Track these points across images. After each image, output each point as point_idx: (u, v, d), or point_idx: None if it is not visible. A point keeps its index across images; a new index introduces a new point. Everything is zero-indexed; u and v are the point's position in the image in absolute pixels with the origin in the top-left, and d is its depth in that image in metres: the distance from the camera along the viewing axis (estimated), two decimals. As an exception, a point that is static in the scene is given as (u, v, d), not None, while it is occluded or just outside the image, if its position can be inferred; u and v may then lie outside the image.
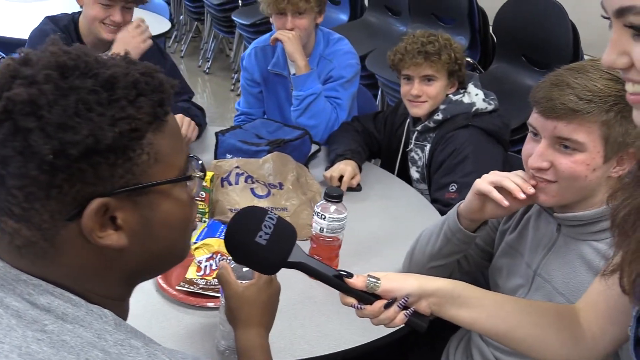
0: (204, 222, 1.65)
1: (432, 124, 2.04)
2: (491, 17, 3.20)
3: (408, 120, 2.16)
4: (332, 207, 1.44)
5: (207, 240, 1.47)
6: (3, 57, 2.27)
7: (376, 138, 2.26)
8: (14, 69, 0.64)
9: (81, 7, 2.03)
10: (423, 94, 2.00)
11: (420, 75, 1.98)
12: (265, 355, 1.06)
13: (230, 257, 1.00)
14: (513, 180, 1.23)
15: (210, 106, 5.30)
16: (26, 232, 0.65)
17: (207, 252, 1.42)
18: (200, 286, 1.35)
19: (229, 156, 1.83)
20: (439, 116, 2.02)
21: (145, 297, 1.35)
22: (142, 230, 0.69)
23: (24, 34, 2.15)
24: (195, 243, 1.47)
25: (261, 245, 0.90)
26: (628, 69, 0.67)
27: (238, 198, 1.64)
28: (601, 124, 1.13)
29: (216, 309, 1.28)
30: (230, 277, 1.10)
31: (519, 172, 1.25)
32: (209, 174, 1.65)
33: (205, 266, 1.40)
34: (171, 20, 6.37)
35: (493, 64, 3.20)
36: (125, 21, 2.00)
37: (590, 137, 1.13)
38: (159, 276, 1.38)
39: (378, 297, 0.98)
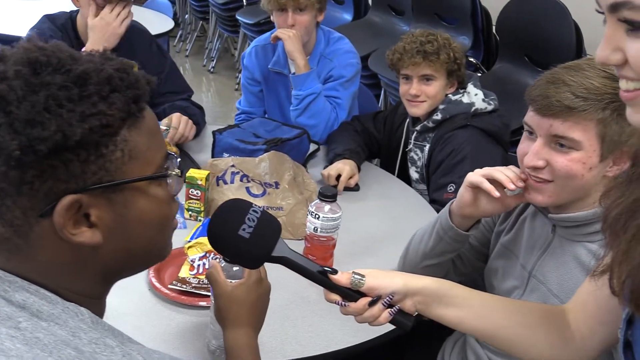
0: (200, 220, 1.64)
1: (431, 124, 2.03)
2: (494, 17, 3.18)
3: (408, 120, 2.15)
4: (327, 207, 1.43)
5: (201, 239, 1.46)
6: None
7: (376, 138, 2.25)
8: None
9: (77, 7, 2.03)
10: (422, 94, 1.98)
11: (418, 74, 1.97)
12: (253, 355, 1.05)
13: (221, 257, 1.00)
14: (504, 172, 1.23)
15: (214, 105, 5.31)
16: (0, 229, 0.64)
17: (200, 250, 1.42)
18: (193, 285, 1.35)
19: (225, 155, 1.82)
20: (438, 116, 2.00)
21: (137, 296, 1.35)
22: (117, 227, 0.68)
23: (25, 32, 2.15)
24: (189, 242, 1.47)
25: (244, 238, 0.89)
26: (622, 65, 0.65)
27: (233, 197, 1.62)
28: (597, 122, 1.11)
29: (208, 308, 1.27)
30: (219, 276, 1.09)
31: (512, 166, 1.24)
32: (205, 173, 1.64)
33: (198, 265, 1.39)
34: (176, 19, 6.41)
35: (496, 64, 3.18)
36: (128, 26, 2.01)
37: (587, 136, 1.12)
38: (152, 275, 1.37)
39: (363, 294, 0.97)
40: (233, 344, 1.05)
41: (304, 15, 2.24)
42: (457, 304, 1.02)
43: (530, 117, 1.17)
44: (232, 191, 1.64)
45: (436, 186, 1.96)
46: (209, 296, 1.31)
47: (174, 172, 0.73)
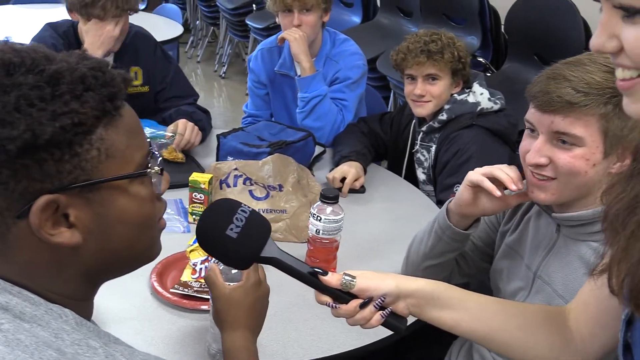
0: (203, 224, 1.64)
1: (436, 125, 2.01)
2: (503, 16, 3.16)
3: (414, 121, 2.13)
4: (329, 209, 1.42)
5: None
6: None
7: (382, 139, 2.24)
8: None
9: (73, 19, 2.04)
10: (427, 94, 1.97)
11: (423, 74, 1.95)
12: (251, 358, 1.04)
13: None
14: (505, 171, 1.21)
15: (226, 110, 5.32)
16: None
17: (202, 254, 1.41)
18: (195, 289, 1.34)
19: (230, 158, 1.82)
20: (443, 116, 1.99)
21: (139, 300, 1.35)
22: (96, 227, 0.68)
23: (28, 39, 2.17)
24: (191, 245, 1.46)
25: (232, 238, 0.88)
26: (618, 53, 0.63)
27: (236, 200, 1.63)
28: (599, 117, 1.09)
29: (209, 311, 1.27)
30: (217, 279, 1.09)
31: (513, 166, 1.22)
32: (208, 176, 1.64)
33: (200, 269, 1.39)
34: (187, 25, 6.44)
35: (505, 63, 3.15)
36: (124, 27, 2.01)
37: (589, 131, 1.10)
38: (154, 279, 1.37)
39: (354, 296, 0.95)
40: (230, 347, 1.05)
41: (310, 15, 2.24)
42: (452, 306, 1.00)
43: (532, 114, 1.16)
44: (235, 194, 1.64)
45: (442, 187, 1.94)
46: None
47: (153, 170, 0.72)
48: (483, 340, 1.03)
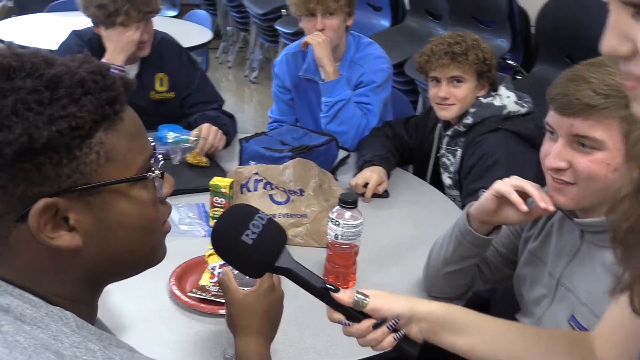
0: (224, 229, 1.64)
1: (462, 128, 1.98)
2: (533, 17, 3.10)
3: (439, 124, 2.11)
4: (347, 214, 1.41)
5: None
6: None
7: (407, 143, 2.22)
8: None
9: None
10: (451, 96, 1.94)
11: (447, 76, 1.93)
12: (263, 364, 1.03)
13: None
14: (536, 188, 1.18)
15: (256, 115, 5.35)
16: None
17: (221, 258, 1.41)
18: (212, 293, 1.34)
19: (252, 163, 1.82)
20: (468, 120, 1.96)
21: (157, 303, 1.35)
22: (97, 231, 0.68)
23: (56, 46, 2.21)
24: (210, 249, 1.46)
25: (246, 244, 0.87)
26: (631, 57, 0.58)
27: (256, 204, 1.60)
28: (621, 119, 1.05)
29: (226, 316, 1.27)
30: (231, 283, 1.09)
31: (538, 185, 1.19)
32: (229, 181, 1.64)
33: (219, 273, 1.38)
34: (218, 31, 6.50)
35: (536, 65, 3.09)
36: (149, 32, 2.04)
37: (610, 134, 1.07)
38: (172, 283, 1.38)
39: (367, 315, 0.93)
40: (243, 352, 1.04)
41: (333, 19, 2.23)
42: (467, 331, 0.96)
43: (551, 117, 1.13)
44: (255, 199, 1.64)
45: (467, 191, 1.91)
46: (227, 304, 1.30)
47: (153, 174, 0.72)
48: None
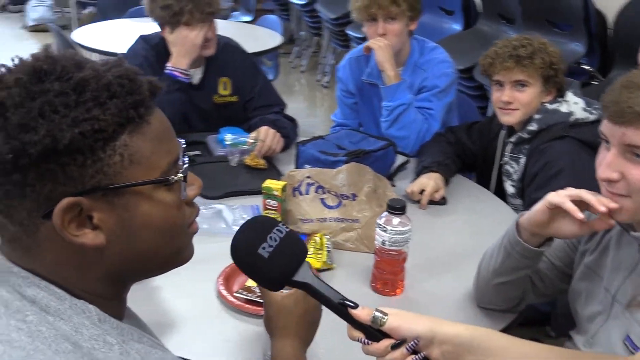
0: (276, 231, 1.65)
1: (526, 135, 1.91)
2: (610, 20, 2.95)
3: (503, 131, 2.04)
4: (396, 220, 1.38)
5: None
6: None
7: (470, 150, 2.16)
8: (0, 75, 0.67)
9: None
10: (514, 101, 1.88)
11: (511, 80, 1.87)
12: (298, 368, 1.03)
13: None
14: (594, 194, 1.11)
15: (327, 119, 5.36)
16: (11, 228, 0.68)
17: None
18: (257, 294, 1.35)
19: (307, 166, 1.82)
20: (533, 126, 1.89)
21: (204, 301, 1.38)
22: (120, 230, 0.70)
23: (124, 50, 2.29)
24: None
25: (263, 257, 0.86)
26: None
27: (308, 208, 1.63)
28: None
29: (270, 318, 1.27)
30: None
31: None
32: (281, 184, 1.65)
33: (265, 275, 1.39)
34: (290, 36, 6.58)
35: (612, 70, 2.95)
36: (212, 34, 2.09)
37: None
38: (220, 282, 1.40)
39: (386, 335, 0.89)
40: (279, 354, 1.04)
41: (395, 24, 2.22)
42: (494, 356, 0.89)
43: (604, 125, 1.07)
44: (307, 202, 1.64)
45: (530, 201, 1.83)
46: (272, 306, 1.31)
47: (175, 178, 0.73)
48: None
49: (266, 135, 2.02)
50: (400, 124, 2.20)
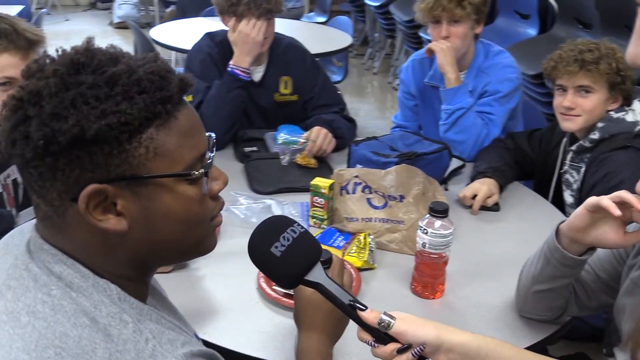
0: (322, 228, 1.68)
1: (588, 144, 1.85)
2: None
3: (565, 139, 1.98)
4: (437, 223, 1.37)
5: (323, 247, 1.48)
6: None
7: (530, 157, 2.11)
8: (42, 64, 0.72)
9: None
10: (577, 107, 1.82)
11: (574, 85, 1.81)
12: (322, 363, 1.04)
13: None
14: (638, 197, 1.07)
15: (397, 121, 5.35)
16: (44, 207, 0.73)
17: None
18: (295, 289, 1.38)
19: (358, 166, 1.83)
20: (595, 135, 1.82)
21: (244, 292, 1.41)
22: (142, 219, 0.73)
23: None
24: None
25: (275, 256, 0.88)
26: None
27: (354, 207, 1.64)
28: None
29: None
30: None
31: None
32: (329, 182, 1.67)
33: (305, 270, 1.41)
34: (365, 37, 6.58)
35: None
36: (269, 32, 2.13)
37: None
38: (261, 275, 1.43)
39: (394, 339, 0.89)
40: (304, 348, 1.06)
41: (459, 26, 2.19)
42: None
43: None
44: (353, 201, 1.65)
45: (587, 212, 1.77)
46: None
47: (197, 173, 0.75)
48: None
49: (317, 136, 2.04)
50: (458, 128, 2.17)
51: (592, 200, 1.11)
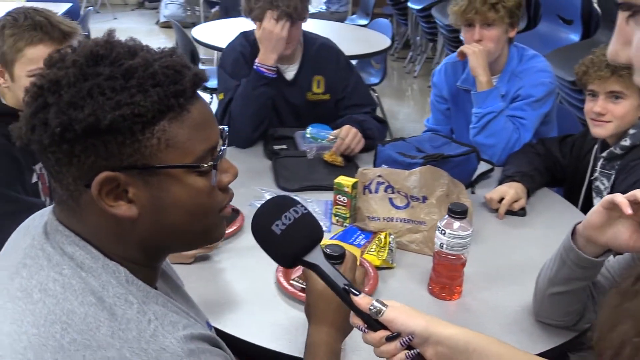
0: (344, 226, 1.69)
1: (618, 151, 1.81)
2: None
3: (596, 146, 1.95)
4: (456, 224, 1.37)
5: (336, 242, 1.50)
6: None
7: (560, 163, 2.08)
8: (64, 55, 0.76)
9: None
10: (608, 113, 1.79)
11: (605, 91, 1.78)
12: (330, 355, 1.05)
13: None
14: None
15: (434, 126, 5.32)
16: (60, 191, 0.77)
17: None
18: (312, 284, 1.39)
19: (384, 166, 1.84)
20: (626, 142, 1.79)
21: (262, 285, 1.44)
22: (152, 206, 0.77)
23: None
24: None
25: (275, 234, 0.90)
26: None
27: (376, 206, 1.65)
28: None
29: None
30: (313, 273, 1.13)
31: None
32: (352, 180, 1.69)
33: (323, 266, 1.43)
34: (407, 40, 6.55)
35: None
36: (292, 36, 2.15)
37: None
38: (279, 269, 1.45)
39: (385, 327, 0.90)
40: (313, 340, 1.08)
41: (492, 30, 2.18)
42: None
43: None
44: (375, 200, 1.66)
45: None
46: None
47: (206, 165, 0.78)
48: None
49: (347, 134, 2.06)
50: (488, 132, 2.16)
51: (608, 197, 1.10)
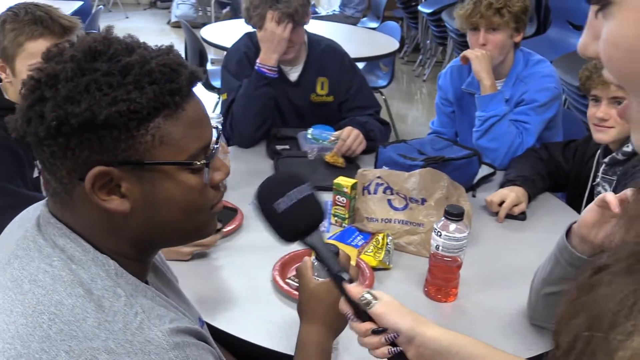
0: (343, 227, 1.70)
1: (620, 157, 1.81)
2: None
3: (599, 151, 1.94)
4: (452, 226, 1.38)
5: (334, 242, 1.51)
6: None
7: (563, 169, 2.07)
8: (62, 49, 0.77)
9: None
10: (610, 118, 1.78)
11: (608, 96, 1.78)
12: (320, 354, 1.06)
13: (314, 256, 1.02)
14: None
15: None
16: (53, 184, 0.79)
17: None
18: (308, 283, 1.40)
19: (385, 168, 1.84)
20: (628, 147, 1.78)
21: (258, 283, 1.45)
22: (144, 202, 0.78)
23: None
24: (319, 243, 1.52)
25: (276, 211, 0.90)
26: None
27: (375, 207, 1.66)
28: None
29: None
30: (306, 272, 1.13)
31: None
32: (352, 181, 1.69)
33: (318, 265, 1.44)
34: (417, 44, 6.55)
35: None
36: (295, 39, 2.16)
37: None
38: (276, 268, 1.46)
39: (372, 318, 0.91)
40: (303, 338, 1.08)
41: (497, 34, 2.18)
42: None
43: None
44: (374, 201, 1.66)
45: (616, 226, 1.74)
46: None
47: (198, 163, 0.79)
48: None
49: (348, 135, 2.06)
50: (491, 135, 2.16)
51: (601, 195, 1.11)
